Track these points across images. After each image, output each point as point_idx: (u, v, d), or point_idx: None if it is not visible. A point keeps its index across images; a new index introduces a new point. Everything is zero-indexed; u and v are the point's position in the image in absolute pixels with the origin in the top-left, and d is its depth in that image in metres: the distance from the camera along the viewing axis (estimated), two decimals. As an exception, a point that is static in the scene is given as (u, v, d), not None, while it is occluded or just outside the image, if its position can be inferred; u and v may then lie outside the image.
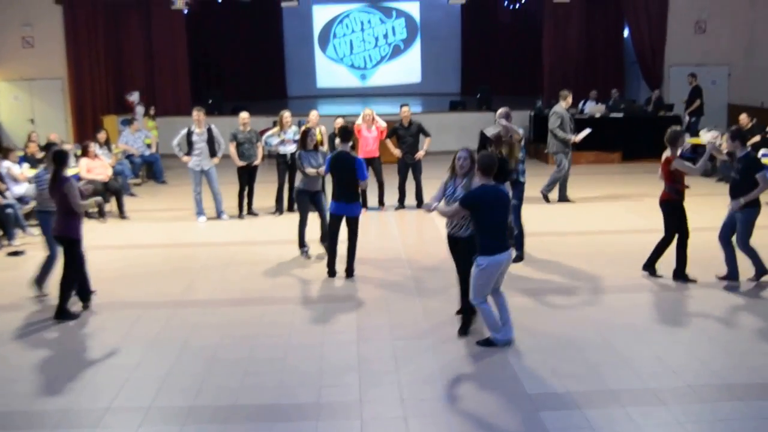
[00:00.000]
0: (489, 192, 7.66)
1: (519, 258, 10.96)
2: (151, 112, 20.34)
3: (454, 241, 8.46)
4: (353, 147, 11.04)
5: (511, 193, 10.42)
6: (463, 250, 8.25)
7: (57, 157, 9.14)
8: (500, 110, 11.10)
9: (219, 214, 14.18)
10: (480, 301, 7.83)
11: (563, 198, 15.20)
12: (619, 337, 8.26)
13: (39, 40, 21.58)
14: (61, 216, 9.10)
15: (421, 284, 10.23)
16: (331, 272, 10.52)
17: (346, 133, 10.82)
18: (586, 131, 15.08)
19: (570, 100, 15.43)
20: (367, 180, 10.70)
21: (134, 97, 20.21)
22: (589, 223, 13.64)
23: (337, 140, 11.52)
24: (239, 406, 6.86)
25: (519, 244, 11.04)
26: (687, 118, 20.03)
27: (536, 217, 13.38)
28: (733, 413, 6.55)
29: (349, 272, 10.51)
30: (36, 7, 21.19)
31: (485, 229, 7.66)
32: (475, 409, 6.73)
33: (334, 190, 10.39)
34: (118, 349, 8.20)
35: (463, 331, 8.39)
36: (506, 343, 7.98)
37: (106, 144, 16.60)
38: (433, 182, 15.54)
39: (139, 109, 20.06)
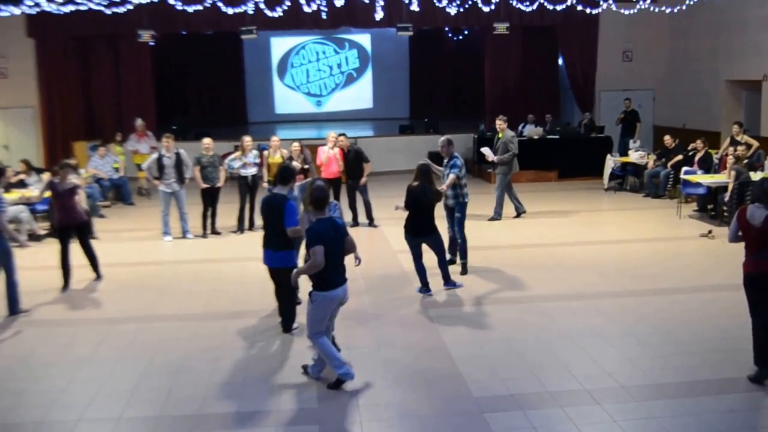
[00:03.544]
0: (328, 226, 7.05)
1: (464, 267, 11.15)
2: (118, 138, 20.08)
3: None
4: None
5: (456, 209, 10.97)
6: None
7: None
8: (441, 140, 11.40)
9: (184, 234, 14.07)
10: (316, 336, 7.17)
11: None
12: (556, 342, 8.35)
13: (12, 71, 21.24)
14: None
15: (374, 296, 10.24)
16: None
17: (287, 174, 8.83)
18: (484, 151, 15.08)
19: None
20: (296, 228, 8.37)
21: (140, 122, 19.61)
22: (530, 236, 13.73)
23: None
24: (204, 414, 6.80)
25: (463, 254, 11.16)
26: (638, 142, 20.13)
27: (480, 230, 13.47)
28: (663, 411, 6.64)
29: (286, 328, 8.89)
30: (9, 40, 20.85)
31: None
32: (425, 412, 6.74)
33: (264, 234, 8.81)
34: (88, 362, 8.08)
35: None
36: (347, 375, 7.15)
37: (76, 168, 16.36)
38: (383, 200, 15.59)
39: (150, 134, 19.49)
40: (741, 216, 7.32)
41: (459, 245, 11.27)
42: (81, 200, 12.05)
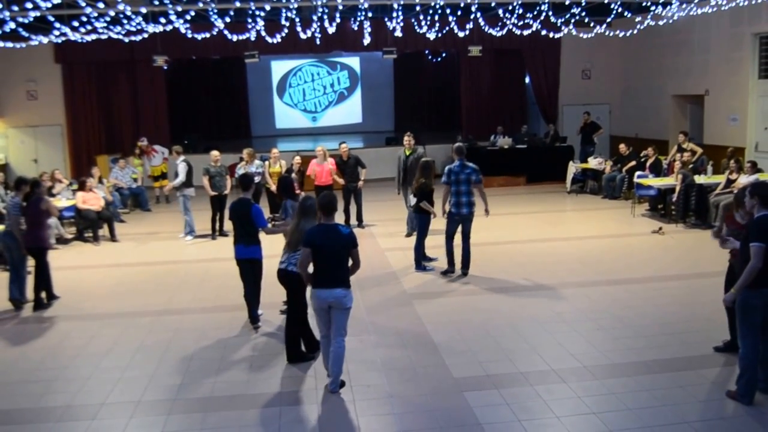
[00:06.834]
0: (324, 231, 6.67)
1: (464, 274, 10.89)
2: (137, 152, 19.98)
3: (286, 276, 7.53)
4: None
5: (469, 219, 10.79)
6: (297, 285, 7.45)
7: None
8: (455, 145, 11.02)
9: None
10: (320, 335, 7.00)
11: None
12: (527, 328, 8.33)
13: (42, 93, 21.27)
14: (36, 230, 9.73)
15: (364, 289, 10.18)
16: (254, 320, 8.75)
17: (246, 181, 8.96)
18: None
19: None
20: (268, 228, 8.68)
21: (144, 142, 19.43)
22: (502, 233, 13.68)
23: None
24: (215, 397, 6.75)
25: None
26: (594, 146, 20.21)
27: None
28: (621, 388, 6.64)
29: (253, 320, 8.73)
30: (39, 66, 20.91)
31: (315, 264, 6.68)
32: (411, 391, 6.71)
33: (234, 233, 8.74)
34: (110, 353, 8.02)
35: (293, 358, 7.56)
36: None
37: (99, 179, 16.34)
38: (371, 204, 15.56)
39: (158, 148, 19.31)
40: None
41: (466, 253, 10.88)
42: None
